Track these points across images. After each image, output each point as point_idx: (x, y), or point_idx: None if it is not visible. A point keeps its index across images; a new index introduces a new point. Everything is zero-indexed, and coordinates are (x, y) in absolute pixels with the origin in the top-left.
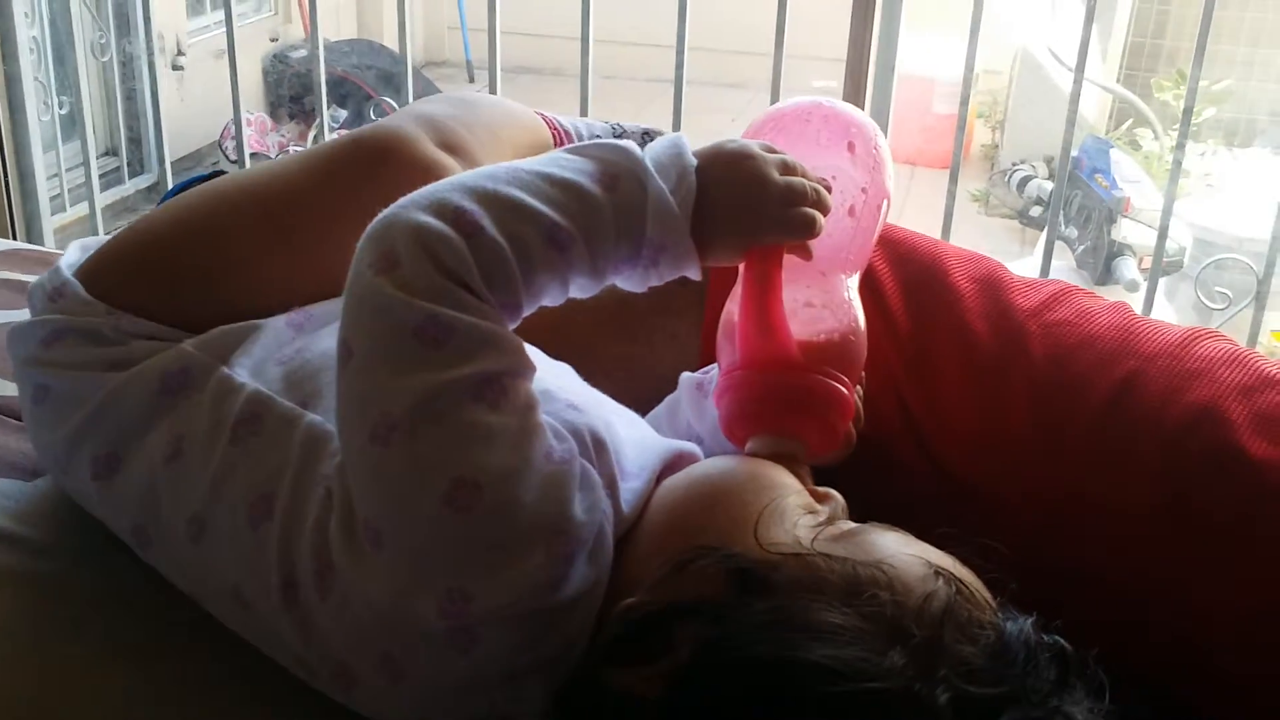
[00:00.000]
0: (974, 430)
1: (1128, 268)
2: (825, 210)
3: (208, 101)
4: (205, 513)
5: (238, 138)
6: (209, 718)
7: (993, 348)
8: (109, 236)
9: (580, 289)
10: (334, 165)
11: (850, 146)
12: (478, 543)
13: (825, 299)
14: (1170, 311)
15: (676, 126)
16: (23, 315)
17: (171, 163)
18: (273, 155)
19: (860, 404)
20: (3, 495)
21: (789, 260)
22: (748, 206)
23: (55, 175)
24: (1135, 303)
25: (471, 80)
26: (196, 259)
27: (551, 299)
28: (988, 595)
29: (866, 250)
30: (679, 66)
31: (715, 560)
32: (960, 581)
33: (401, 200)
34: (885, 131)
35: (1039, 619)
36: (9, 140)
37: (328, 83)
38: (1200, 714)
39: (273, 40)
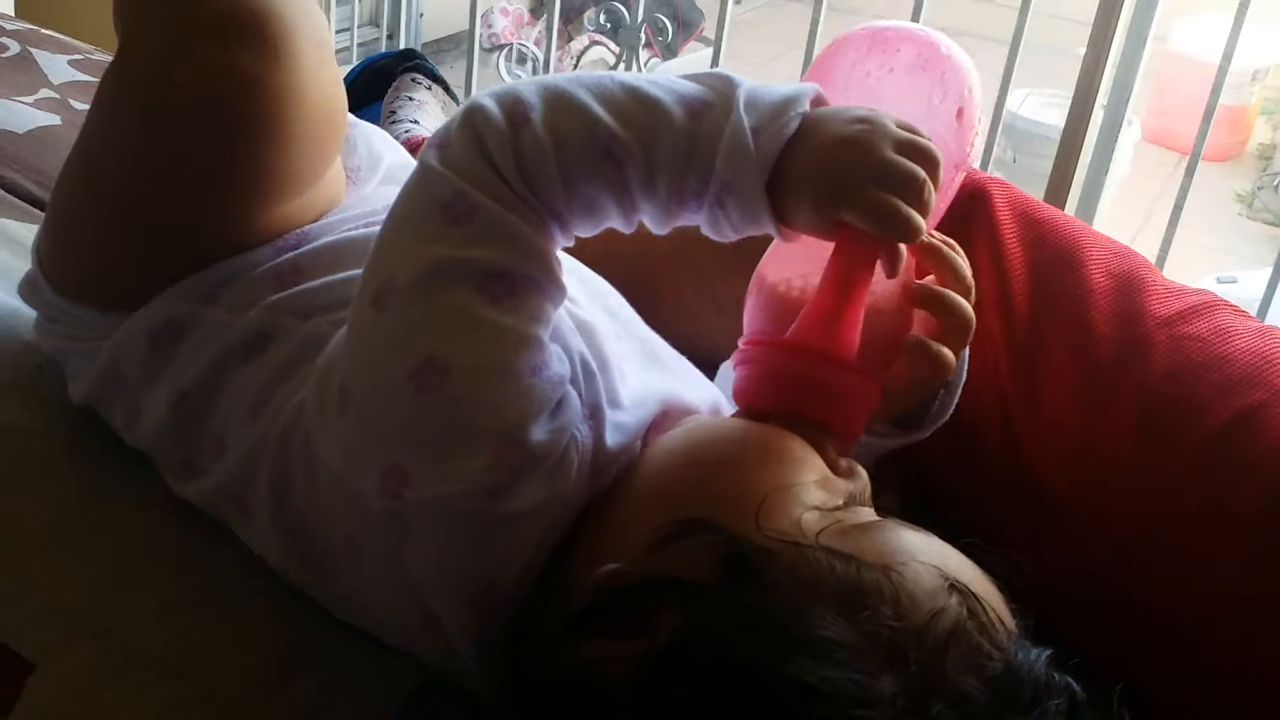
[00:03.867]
0: (1071, 438)
1: None
2: (927, 214)
3: None
4: (224, 432)
5: (470, 32)
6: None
7: (1111, 352)
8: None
9: (650, 218)
10: None
11: (960, 113)
12: (428, 426)
13: None
14: None
15: None
16: None
17: (428, 42)
18: (530, 50)
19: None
20: None
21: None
22: (835, 171)
23: None
24: None
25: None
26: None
27: (615, 221)
28: (1007, 616)
29: None
30: (918, 5)
31: (710, 539)
32: (976, 599)
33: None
34: (1124, 108)
35: (1055, 653)
36: None
37: None
38: None
39: None
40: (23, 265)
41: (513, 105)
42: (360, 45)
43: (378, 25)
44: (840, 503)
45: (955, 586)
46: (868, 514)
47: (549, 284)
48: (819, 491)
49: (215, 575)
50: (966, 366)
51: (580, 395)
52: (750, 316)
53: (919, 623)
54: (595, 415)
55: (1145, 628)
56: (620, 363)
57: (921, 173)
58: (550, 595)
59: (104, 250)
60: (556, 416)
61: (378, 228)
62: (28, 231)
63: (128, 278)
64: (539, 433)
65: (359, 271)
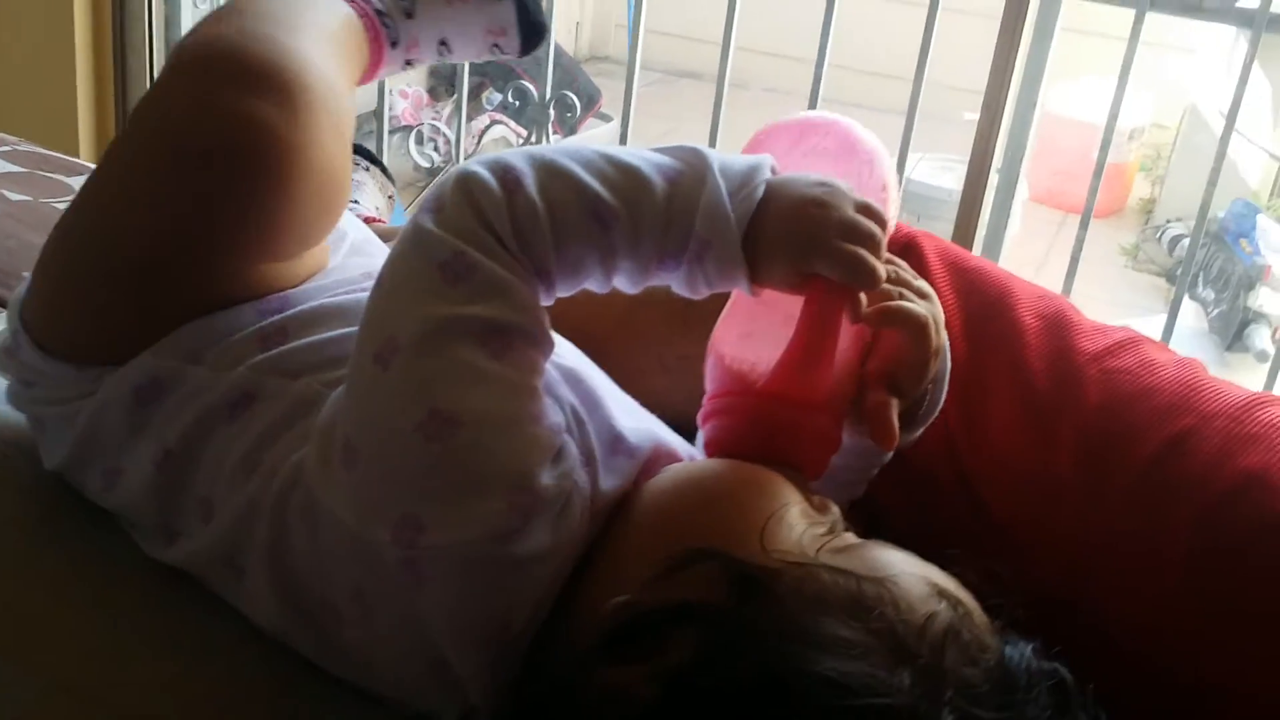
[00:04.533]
0: (1016, 469)
1: (1260, 337)
2: (880, 260)
3: None
4: (210, 493)
5: (378, 113)
6: None
7: (1047, 388)
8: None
9: (627, 277)
10: None
11: (885, 187)
12: (440, 476)
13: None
14: None
15: None
16: None
17: None
18: (441, 129)
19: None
20: None
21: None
22: (803, 229)
23: None
24: (1263, 375)
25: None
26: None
27: (594, 281)
28: (985, 619)
29: None
30: (816, 81)
31: (717, 564)
32: (961, 603)
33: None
34: (1018, 170)
35: (1039, 645)
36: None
37: (492, 66)
38: None
39: None
40: None
41: (504, 172)
42: None
43: None
44: (827, 528)
45: (943, 593)
46: (851, 537)
47: (541, 337)
48: (807, 518)
49: (212, 640)
50: (949, 361)
51: (576, 443)
52: (711, 377)
53: (918, 624)
54: (590, 461)
55: (1097, 646)
56: (610, 404)
57: (878, 229)
58: (556, 635)
59: (95, 299)
60: (558, 464)
61: (358, 294)
62: None
63: (117, 327)
64: (546, 478)
65: (346, 331)
